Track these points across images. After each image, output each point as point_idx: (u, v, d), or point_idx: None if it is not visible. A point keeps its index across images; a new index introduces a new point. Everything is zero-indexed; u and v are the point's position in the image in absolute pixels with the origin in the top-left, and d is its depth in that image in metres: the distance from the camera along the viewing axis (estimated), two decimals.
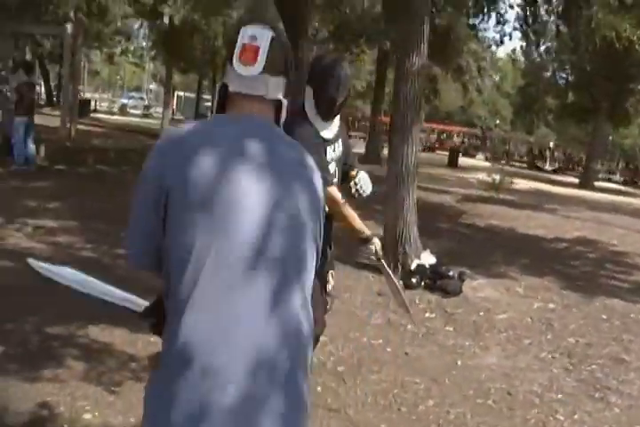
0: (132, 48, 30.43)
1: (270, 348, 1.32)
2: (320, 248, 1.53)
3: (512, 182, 13.75)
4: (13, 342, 3.50)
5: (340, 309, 4.90)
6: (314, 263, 1.49)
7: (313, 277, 1.49)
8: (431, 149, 35.79)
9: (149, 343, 3.37)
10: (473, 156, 35.59)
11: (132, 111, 42.31)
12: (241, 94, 1.53)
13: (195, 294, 1.31)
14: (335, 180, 2.72)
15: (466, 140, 42.12)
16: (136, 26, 26.94)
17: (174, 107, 48.68)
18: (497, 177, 13.14)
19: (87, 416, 2.81)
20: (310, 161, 1.55)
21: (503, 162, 27.49)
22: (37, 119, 10.77)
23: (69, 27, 10.59)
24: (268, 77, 1.52)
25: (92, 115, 28.44)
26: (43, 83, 30.58)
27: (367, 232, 2.83)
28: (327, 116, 2.73)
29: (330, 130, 2.78)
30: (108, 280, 4.33)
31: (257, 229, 1.36)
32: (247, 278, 1.33)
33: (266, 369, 1.30)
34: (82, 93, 31.73)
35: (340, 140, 2.85)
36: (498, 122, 47.89)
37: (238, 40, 1.52)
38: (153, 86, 56.50)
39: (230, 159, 1.39)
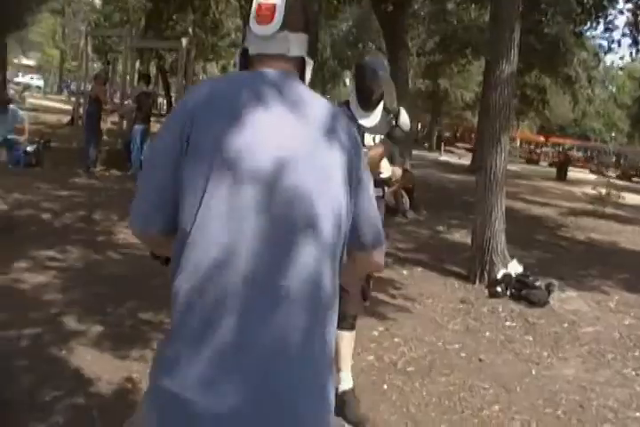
0: None
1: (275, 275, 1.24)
2: (349, 211, 1.37)
3: (620, 197, 13.06)
4: (111, 323, 3.83)
5: (421, 313, 4.94)
6: (338, 226, 1.32)
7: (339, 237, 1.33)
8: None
9: None
10: (602, 173, 30.43)
11: None
12: (262, 55, 1.44)
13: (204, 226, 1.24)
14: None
15: (585, 154, 39.01)
16: None
17: None
18: (603, 190, 12.54)
19: None
20: (346, 122, 1.44)
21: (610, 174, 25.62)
22: (156, 127, 11.51)
23: (184, 41, 11.25)
24: (287, 34, 1.43)
25: None
26: (164, 94, 32.44)
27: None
28: (366, 106, 3.05)
29: (369, 120, 3.07)
30: None
31: (276, 174, 1.28)
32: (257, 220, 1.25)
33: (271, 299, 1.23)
34: None
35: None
36: (613, 134, 45.43)
37: (254, 2, 1.44)
38: None
39: (254, 109, 1.31)
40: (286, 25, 1.42)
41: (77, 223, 6.55)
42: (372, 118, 3.09)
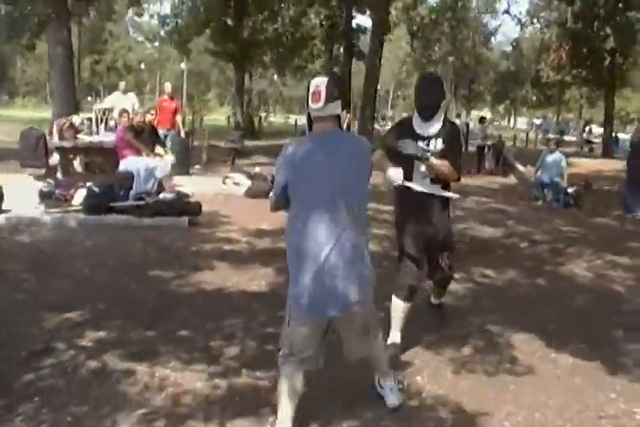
0: None
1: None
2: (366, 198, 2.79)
3: None
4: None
5: None
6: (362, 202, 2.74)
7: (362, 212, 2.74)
8: None
9: None
10: None
11: None
12: (317, 117, 2.70)
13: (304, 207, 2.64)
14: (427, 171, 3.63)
15: None
16: None
17: None
18: None
19: None
20: (362, 146, 2.76)
21: None
22: None
23: None
24: (329, 104, 2.63)
25: None
26: None
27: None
28: (423, 117, 3.61)
29: (426, 129, 3.62)
30: None
31: (328, 182, 2.60)
32: (323, 205, 2.59)
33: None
34: None
35: (440, 140, 3.61)
36: None
37: (310, 89, 2.64)
38: None
39: (314, 153, 2.65)
40: (327, 100, 2.62)
41: (544, 253, 6.88)
42: (431, 128, 3.61)
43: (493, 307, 4.87)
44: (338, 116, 2.67)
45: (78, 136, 8.70)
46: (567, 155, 12.30)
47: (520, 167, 12.70)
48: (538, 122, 46.71)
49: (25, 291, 4.79)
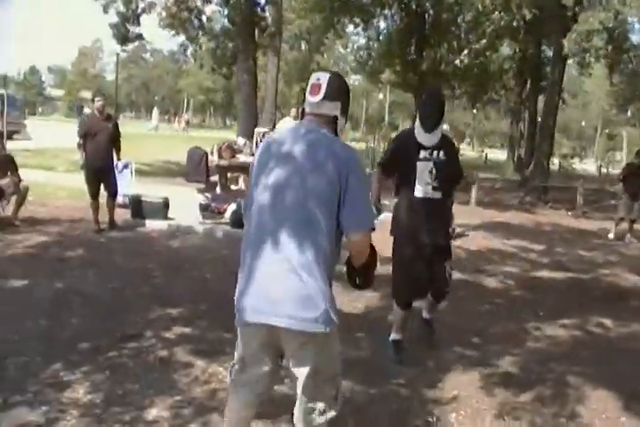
0: None
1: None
2: (339, 200, 2.18)
3: None
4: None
5: None
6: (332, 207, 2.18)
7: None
8: None
9: None
10: None
11: None
12: (311, 113, 2.34)
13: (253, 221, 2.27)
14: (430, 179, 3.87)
15: None
16: None
17: None
18: None
19: None
20: (341, 147, 2.24)
21: None
22: None
23: None
24: (326, 102, 2.29)
25: None
26: None
27: None
28: (426, 129, 3.85)
29: (429, 139, 3.87)
30: None
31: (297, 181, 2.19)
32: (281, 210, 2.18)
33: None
34: None
35: (442, 151, 3.91)
36: None
37: (310, 81, 2.34)
38: None
39: (288, 148, 2.24)
40: (326, 97, 2.29)
41: None
42: (432, 138, 3.85)
43: (588, 358, 4.50)
44: (334, 120, 2.31)
45: (237, 156, 9.60)
46: None
47: None
48: None
49: (150, 285, 5.52)
